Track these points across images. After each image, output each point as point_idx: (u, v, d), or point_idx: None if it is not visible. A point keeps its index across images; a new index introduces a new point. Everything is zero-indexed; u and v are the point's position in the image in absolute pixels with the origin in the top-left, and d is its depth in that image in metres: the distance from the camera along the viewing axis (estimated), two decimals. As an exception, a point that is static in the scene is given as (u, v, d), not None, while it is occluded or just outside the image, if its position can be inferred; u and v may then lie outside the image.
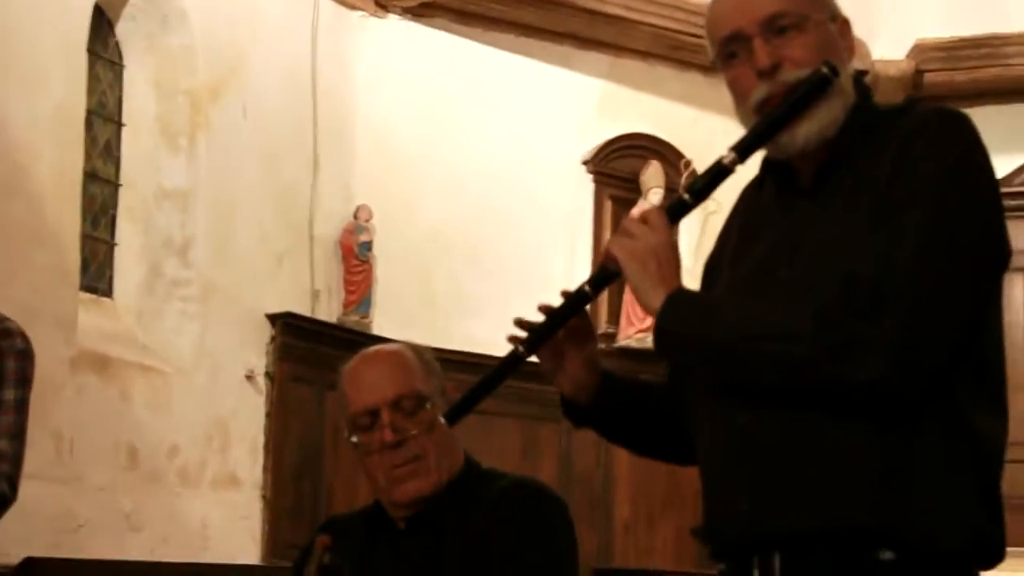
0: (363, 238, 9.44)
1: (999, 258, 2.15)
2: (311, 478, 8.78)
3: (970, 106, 10.51)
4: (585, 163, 10.49)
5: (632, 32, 10.47)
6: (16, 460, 3.34)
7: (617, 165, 10.57)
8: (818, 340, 2.06)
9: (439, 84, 9.97)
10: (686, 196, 2.26)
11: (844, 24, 2.30)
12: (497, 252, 9.78)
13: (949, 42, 10.54)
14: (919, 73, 10.58)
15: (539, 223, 10.04)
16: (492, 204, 9.94)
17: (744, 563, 2.19)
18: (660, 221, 2.24)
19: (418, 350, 2.90)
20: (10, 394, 3.35)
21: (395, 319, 9.47)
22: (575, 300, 2.33)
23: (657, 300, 2.20)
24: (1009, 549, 2.16)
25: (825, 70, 2.18)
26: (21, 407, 3.37)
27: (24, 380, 3.38)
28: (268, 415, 8.78)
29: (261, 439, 8.75)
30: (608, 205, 10.45)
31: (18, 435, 3.35)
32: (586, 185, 10.47)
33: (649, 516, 10.14)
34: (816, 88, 2.19)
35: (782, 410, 2.12)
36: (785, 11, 2.22)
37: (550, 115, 10.34)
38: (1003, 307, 2.20)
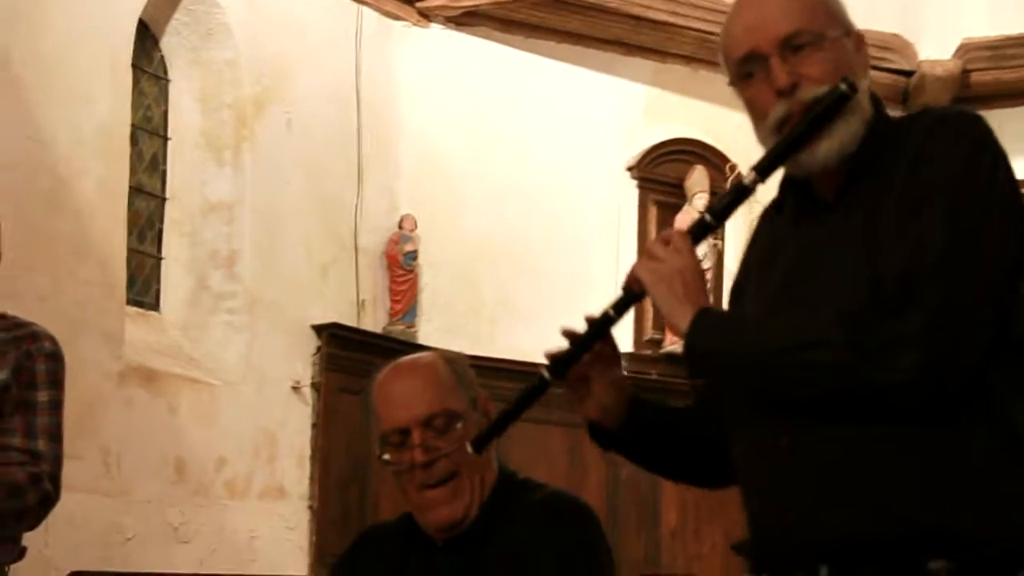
0: (408, 248, 9.44)
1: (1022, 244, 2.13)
2: (358, 488, 8.78)
3: (1017, 105, 10.50)
4: (630, 169, 10.45)
5: (677, 37, 10.43)
6: (56, 460, 3.34)
7: (662, 170, 10.53)
8: (848, 344, 2.05)
9: (483, 93, 9.97)
10: (708, 217, 2.28)
11: (859, 39, 2.30)
12: (542, 259, 9.76)
13: (995, 41, 10.48)
14: (966, 73, 10.52)
15: (584, 229, 10.02)
16: (537, 211, 9.93)
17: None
18: (684, 243, 2.25)
19: (451, 360, 2.86)
20: (43, 396, 3.35)
21: (441, 328, 9.48)
22: (600, 324, 2.34)
23: (685, 320, 2.20)
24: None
25: (843, 87, 2.18)
26: (55, 408, 3.36)
27: (55, 382, 3.38)
28: (315, 426, 8.79)
29: (308, 450, 8.76)
30: (653, 210, 10.41)
31: (55, 436, 3.35)
32: (631, 191, 10.43)
33: (697, 522, 10.10)
34: (835, 105, 2.18)
35: (823, 427, 2.11)
36: (802, 29, 2.22)
37: (595, 121, 10.32)
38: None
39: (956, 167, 2.10)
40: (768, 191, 2.35)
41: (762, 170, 2.23)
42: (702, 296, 2.23)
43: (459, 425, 2.73)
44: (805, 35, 2.21)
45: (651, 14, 10.21)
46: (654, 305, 2.25)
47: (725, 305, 2.45)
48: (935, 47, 10.52)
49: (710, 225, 2.28)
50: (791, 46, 2.21)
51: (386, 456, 2.77)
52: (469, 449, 2.46)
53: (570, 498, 2.82)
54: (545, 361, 2.35)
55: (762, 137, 2.27)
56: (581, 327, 2.36)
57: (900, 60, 10.59)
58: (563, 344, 2.36)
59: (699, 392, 2.47)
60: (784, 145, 2.21)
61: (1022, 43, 10.42)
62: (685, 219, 10.15)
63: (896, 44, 10.59)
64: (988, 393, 2.08)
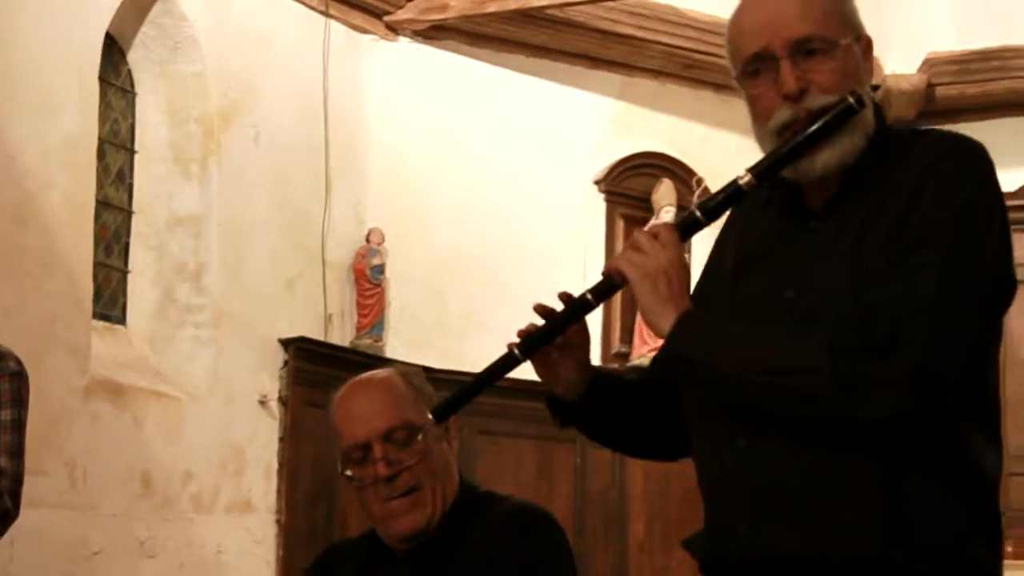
0: (375, 261, 9.43)
1: (1006, 296, 2.14)
2: (326, 502, 8.76)
3: (981, 119, 10.57)
4: (597, 183, 10.46)
5: (644, 51, 10.45)
6: (16, 477, 3.36)
7: (629, 184, 10.54)
8: (834, 377, 2.03)
9: (450, 106, 9.96)
10: (698, 214, 2.23)
11: (868, 43, 2.27)
12: (510, 273, 9.76)
13: (960, 55, 10.51)
14: (931, 87, 10.56)
15: (551, 243, 10.02)
16: (504, 225, 9.92)
17: None
18: (671, 238, 2.20)
19: (408, 375, 2.87)
20: (6, 414, 3.39)
21: (408, 341, 9.46)
22: (577, 308, 2.28)
23: (667, 321, 2.16)
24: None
25: (852, 100, 2.15)
26: (18, 426, 3.40)
27: (19, 400, 3.42)
28: (282, 440, 8.77)
29: (275, 464, 8.74)
30: (620, 224, 10.41)
31: (17, 453, 3.38)
32: (598, 204, 10.44)
33: (664, 535, 10.09)
34: (841, 117, 2.15)
35: (782, 435, 2.10)
36: (816, 35, 2.18)
37: (562, 135, 10.32)
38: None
39: (952, 211, 2.08)
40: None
41: (759, 173, 2.20)
42: (685, 297, 2.19)
43: (420, 437, 2.73)
44: (818, 41, 2.18)
45: (618, 28, 10.22)
46: (628, 311, 2.21)
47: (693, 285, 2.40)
48: (900, 62, 10.54)
49: (700, 222, 2.23)
50: (803, 50, 2.17)
51: (348, 472, 2.76)
52: (430, 417, 2.42)
53: (533, 508, 2.81)
54: (516, 338, 2.31)
55: (760, 137, 2.24)
56: (557, 305, 2.32)
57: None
58: (536, 320, 2.32)
59: (657, 365, 2.43)
60: (785, 151, 2.18)
61: (986, 57, 10.45)
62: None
63: (862, 59, 10.61)
64: (953, 433, 2.09)
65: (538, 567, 2.68)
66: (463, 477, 2.83)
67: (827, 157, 2.17)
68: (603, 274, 2.25)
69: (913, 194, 2.10)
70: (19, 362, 3.44)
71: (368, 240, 9.46)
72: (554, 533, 2.75)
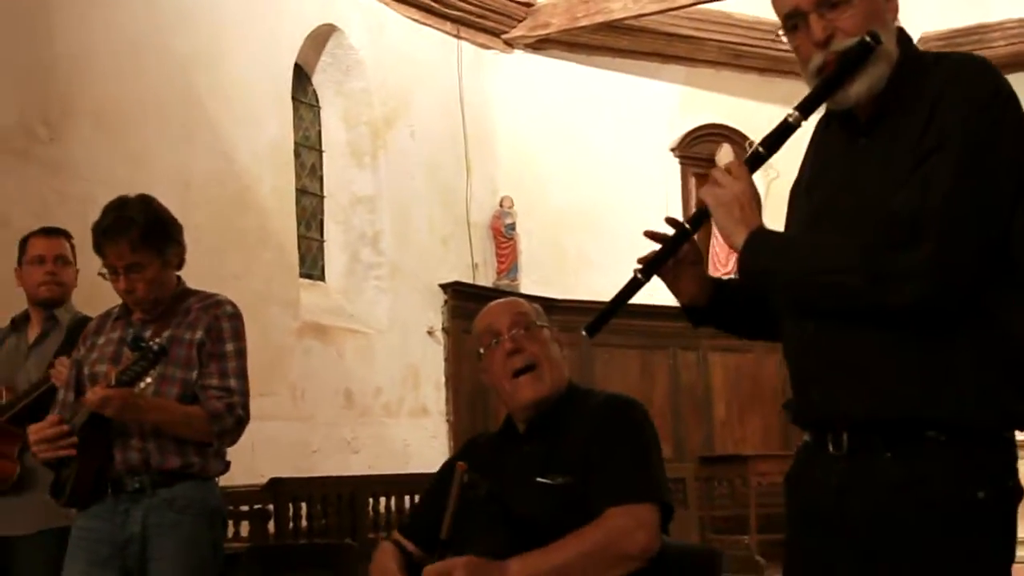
0: (508, 221, 9.43)
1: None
2: (482, 405, 8.80)
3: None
4: (672, 150, 10.40)
5: (702, 47, 10.32)
6: (244, 393, 3.33)
7: (697, 149, 10.46)
8: (864, 271, 1.94)
9: (557, 99, 9.92)
10: (761, 149, 2.11)
11: None
12: (609, 223, 9.70)
13: (947, 33, 10.31)
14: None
15: (640, 198, 9.94)
16: (604, 187, 9.88)
17: (821, 436, 2.09)
18: (742, 171, 2.10)
19: (531, 303, 2.85)
20: (230, 346, 3.34)
21: (536, 280, 9.47)
22: (678, 235, 2.21)
23: (740, 239, 2.07)
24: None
25: (868, 39, 2.00)
26: (240, 355, 3.35)
27: (238, 335, 3.36)
28: (446, 360, 8.82)
29: (442, 379, 8.80)
30: (692, 181, 10.38)
31: (242, 375, 3.34)
32: (674, 167, 10.39)
33: (740, 413, 10.03)
34: (862, 55, 2.01)
35: (841, 320, 2.01)
36: None
37: (643, 116, 10.25)
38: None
39: (968, 116, 1.94)
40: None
41: (804, 109, 2.07)
42: (756, 217, 2.08)
43: (537, 328, 2.66)
44: None
45: (681, 31, 10.13)
46: (707, 238, 2.12)
47: (786, 203, 2.28)
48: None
49: (762, 156, 2.11)
50: (827, 3, 2.04)
51: (481, 350, 2.74)
52: (583, 333, 2.34)
53: (623, 396, 2.79)
54: (638, 264, 2.21)
55: (806, 79, 2.11)
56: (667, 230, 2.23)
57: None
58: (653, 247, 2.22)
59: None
60: (821, 88, 2.06)
61: (967, 33, 10.29)
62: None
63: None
64: (985, 308, 1.97)
65: (625, 436, 2.67)
66: (571, 381, 2.82)
67: (857, 88, 2.04)
68: (697, 206, 2.19)
69: (932, 109, 1.97)
70: (234, 305, 3.40)
71: (501, 205, 9.46)
72: (638, 413, 2.72)
